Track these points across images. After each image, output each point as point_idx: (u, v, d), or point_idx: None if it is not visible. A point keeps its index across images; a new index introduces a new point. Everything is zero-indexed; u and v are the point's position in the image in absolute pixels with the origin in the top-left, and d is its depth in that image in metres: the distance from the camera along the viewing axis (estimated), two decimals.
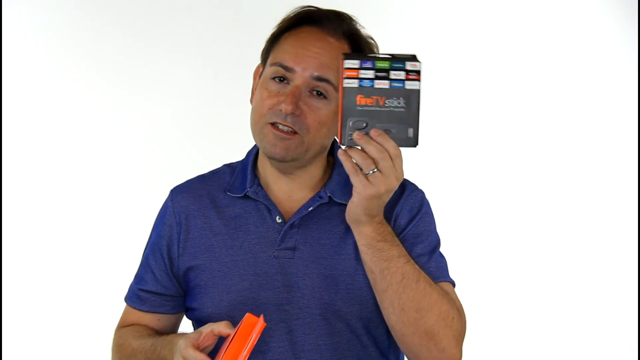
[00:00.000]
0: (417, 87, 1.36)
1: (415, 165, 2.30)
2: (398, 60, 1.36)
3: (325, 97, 1.52)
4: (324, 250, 1.55)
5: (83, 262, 3.19)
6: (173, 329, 1.67)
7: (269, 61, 1.56)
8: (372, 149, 1.37)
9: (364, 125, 1.37)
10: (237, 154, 1.74)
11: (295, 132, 1.51)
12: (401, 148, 1.39)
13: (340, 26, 1.56)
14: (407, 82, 1.36)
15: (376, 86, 1.36)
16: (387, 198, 1.42)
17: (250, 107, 1.60)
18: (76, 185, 3.21)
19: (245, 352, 1.38)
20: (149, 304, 1.64)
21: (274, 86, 1.53)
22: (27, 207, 3.18)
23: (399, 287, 1.46)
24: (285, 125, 1.51)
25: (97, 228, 3.20)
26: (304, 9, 1.58)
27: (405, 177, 1.62)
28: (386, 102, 1.36)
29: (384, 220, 1.47)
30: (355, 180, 1.39)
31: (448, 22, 3.31)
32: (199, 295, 1.58)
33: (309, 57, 1.52)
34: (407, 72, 1.36)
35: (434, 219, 1.62)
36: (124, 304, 1.70)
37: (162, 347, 1.52)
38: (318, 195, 1.58)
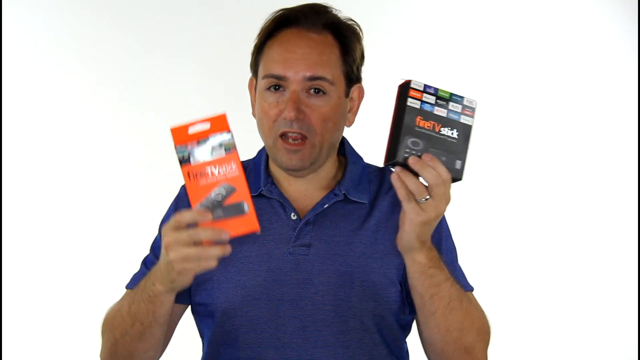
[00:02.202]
0: (471, 123, 1.40)
1: None
2: (457, 95, 1.40)
3: (324, 93, 1.54)
4: (338, 247, 1.56)
5: (84, 262, 3.19)
6: (172, 318, 1.62)
7: (260, 74, 1.57)
8: (428, 175, 1.37)
9: (420, 146, 1.38)
10: (242, 153, 1.74)
11: (304, 137, 1.53)
12: None
13: (318, 20, 1.57)
14: (462, 116, 1.40)
15: (435, 112, 1.39)
16: (436, 223, 1.43)
17: (252, 119, 1.63)
18: (77, 185, 3.21)
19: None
20: None
21: (272, 97, 1.55)
22: (28, 208, 3.18)
23: (445, 310, 1.50)
24: (293, 132, 1.53)
25: (99, 228, 3.20)
26: (278, 13, 1.59)
27: None
28: (442, 129, 1.39)
29: (432, 244, 1.48)
30: (408, 207, 1.40)
31: (448, 22, 3.31)
32: (211, 290, 1.58)
33: (297, 60, 1.53)
34: (464, 106, 1.40)
35: (447, 221, 1.64)
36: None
37: (147, 279, 1.48)
38: (333, 193, 1.59)
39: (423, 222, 1.40)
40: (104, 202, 3.21)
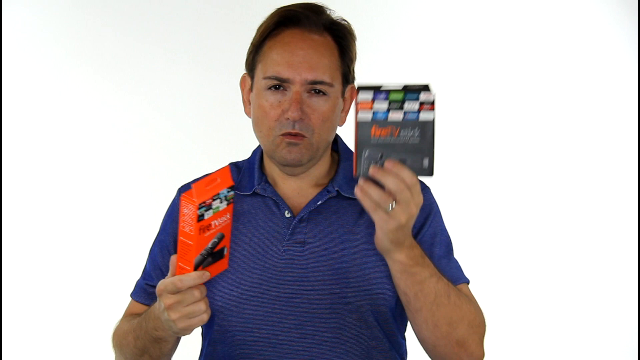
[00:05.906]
0: (431, 118, 1.35)
1: None
2: (411, 92, 1.35)
3: (324, 94, 1.56)
4: (333, 243, 1.57)
5: (86, 262, 3.20)
6: None
7: (260, 73, 1.58)
8: (389, 182, 1.35)
9: (380, 156, 1.36)
10: (240, 153, 1.75)
11: (303, 136, 1.54)
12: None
13: (319, 20, 1.58)
14: (421, 113, 1.35)
15: (390, 118, 1.35)
16: (411, 224, 1.41)
17: (244, 117, 1.63)
18: (77, 185, 3.21)
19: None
20: (155, 298, 1.62)
21: (272, 96, 1.56)
22: (28, 207, 3.19)
23: (432, 306, 1.49)
24: (295, 133, 1.54)
25: (100, 229, 3.21)
26: (279, 11, 1.59)
27: None
28: (401, 133, 1.35)
29: (413, 242, 1.47)
30: (376, 217, 1.39)
31: (448, 22, 3.31)
32: (207, 289, 1.57)
33: (299, 63, 1.54)
34: (422, 103, 1.35)
35: (441, 215, 1.64)
36: (127, 302, 1.70)
37: (147, 321, 1.53)
38: (326, 190, 1.60)
39: (394, 228, 1.39)
40: (103, 201, 3.21)
